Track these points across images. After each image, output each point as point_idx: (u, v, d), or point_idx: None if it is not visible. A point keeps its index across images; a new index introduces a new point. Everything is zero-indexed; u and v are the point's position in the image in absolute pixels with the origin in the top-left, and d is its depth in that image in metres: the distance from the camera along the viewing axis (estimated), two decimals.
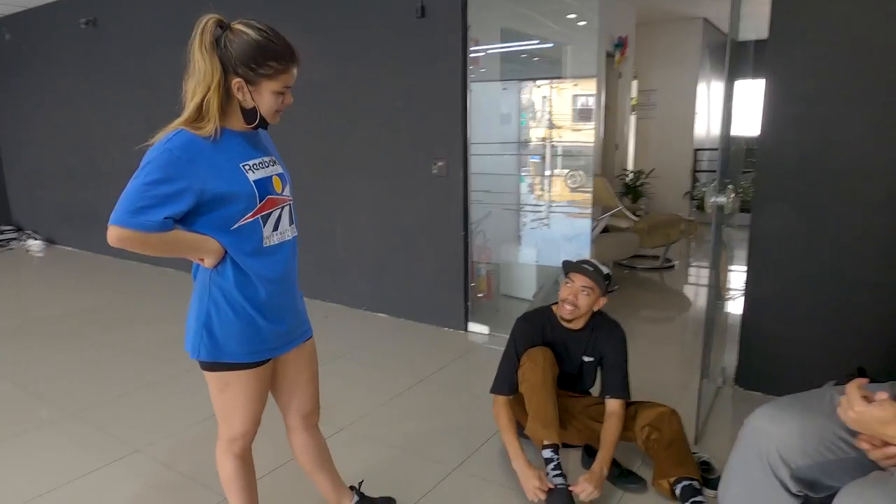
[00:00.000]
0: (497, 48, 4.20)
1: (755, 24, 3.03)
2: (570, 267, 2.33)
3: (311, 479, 1.86)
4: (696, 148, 7.91)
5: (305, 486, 1.98)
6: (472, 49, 3.58)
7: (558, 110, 4.56)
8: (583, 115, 4.51)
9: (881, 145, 2.43)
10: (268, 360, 1.56)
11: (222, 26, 1.35)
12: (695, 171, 7.93)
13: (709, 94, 7.99)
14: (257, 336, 1.49)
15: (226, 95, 1.36)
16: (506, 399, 2.31)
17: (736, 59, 2.95)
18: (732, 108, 2.46)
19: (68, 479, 2.30)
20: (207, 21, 1.33)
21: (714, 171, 3.58)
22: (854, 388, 1.24)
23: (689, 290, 5.28)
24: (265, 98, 1.39)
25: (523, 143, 4.69)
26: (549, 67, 4.87)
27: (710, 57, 7.78)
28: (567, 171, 4.19)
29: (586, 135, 4.47)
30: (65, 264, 6.32)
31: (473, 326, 3.90)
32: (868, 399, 1.24)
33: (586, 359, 2.36)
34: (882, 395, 1.21)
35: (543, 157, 4.42)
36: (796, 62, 2.58)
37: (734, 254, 3.74)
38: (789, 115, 2.62)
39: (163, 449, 2.51)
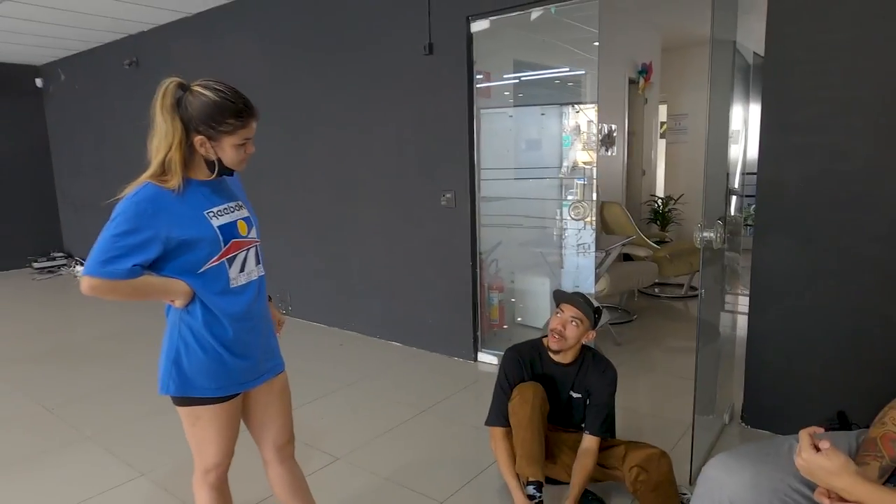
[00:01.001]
0: (510, 78, 4.27)
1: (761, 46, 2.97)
2: (560, 297, 2.34)
3: None
4: (726, 172, 7.71)
5: None
6: (478, 80, 3.65)
7: (571, 135, 4.57)
8: (588, 140, 4.51)
9: (884, 175, 2.35)
10: (237, 395, 1.62)
11: (183, 88, 1.45)
12: (728, 195, 7.72)
13: (726, 117, 7.81)
14: (224, 371, 1.56)
15: (189, 150, 1.46)
16: (503, 431, 2.31)
17: (734, 81, 2.92)
18: (713, 136, 2.43)
19: (78, 500, 2.41)
20: (169, 84, 1.43)
21: (749, 196, 3.51)
22: (805, 434, 1.21)
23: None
24: (227, 152, 1.49)
25: (539, 169, 4.71)
26: (567, 93, 4.90)
27: (742, 80, 7.63)
28: (571, 199, 4.18)
29: (591, 160, 4.45)
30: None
31: (483, 356, 3.90)
32: (816, 448, 1.20)
33: (574, 394, 2.34)
34: (825, 444, 1.17)
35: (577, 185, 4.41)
36: (794, 89, 2.53)
37: (741, 280, 3.63)
38: (789, 144, 2.57)
39: (165, 474, 2.61)
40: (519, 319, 4.47)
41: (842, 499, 1.19)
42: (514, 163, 4.47)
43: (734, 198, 3.59)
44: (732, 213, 3.28)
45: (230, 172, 1.57)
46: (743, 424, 2.83)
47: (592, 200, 3.98)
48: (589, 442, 2.21)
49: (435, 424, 3.06)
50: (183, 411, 1.60)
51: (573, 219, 3.88)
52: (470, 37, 3.55)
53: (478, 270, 3.84)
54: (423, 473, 2.55)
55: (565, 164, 4.71)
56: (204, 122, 1.43)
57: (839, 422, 1.65)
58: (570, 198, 4.26)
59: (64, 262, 7.70)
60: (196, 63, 5.40)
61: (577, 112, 4.74)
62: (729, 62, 2.76)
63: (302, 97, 4.55)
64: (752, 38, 3.20)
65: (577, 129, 4.69)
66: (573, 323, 2.26)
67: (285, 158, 4.72)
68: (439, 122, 3.79)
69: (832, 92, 2.44)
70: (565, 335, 2.26)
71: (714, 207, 2.39)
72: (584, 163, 4.60)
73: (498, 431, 2.32)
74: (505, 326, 4.31)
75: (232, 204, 1.58)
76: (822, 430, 1.26)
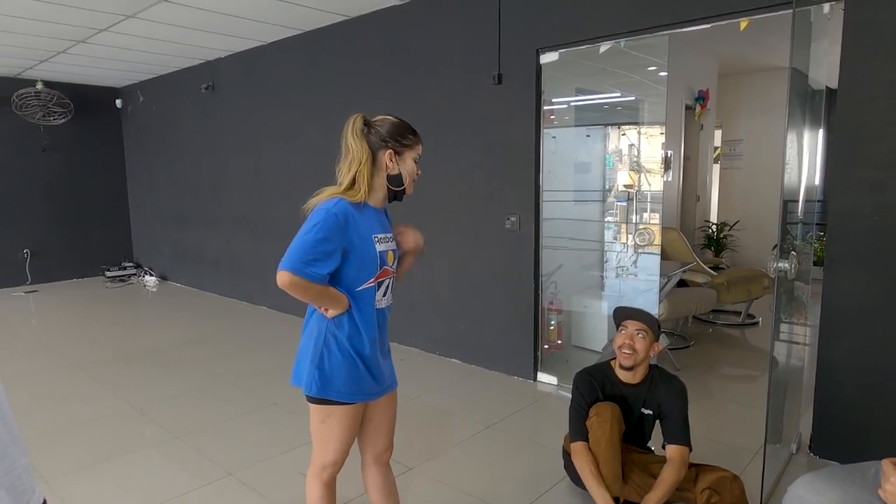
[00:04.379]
0: (571, 101, 4.40)
1: (832, 73, 3.01)
2: (621, 314, 2.43)
3: None
4: (789, 199, 7.61)
5: None
6: (545, 108, 3.79)
7: (628, 157, 4.65)
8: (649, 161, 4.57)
9: None
10: (362, 402, 1.81)
11: (365, 121, 1.75)
12: (784, 223, 7.61)
13: (798, 144, 7.72)
14: (358, 380, 1.76)
15: (373, 169, 1.72)
16: (584, 446, 2.36)
17: (805, 108, 2.96)
18: (790, 161, 2.49)
19: (166, 497, 2.60)
20: (356, 116, 1.74)
21: (807, 223, 3.53)
22: (888, 463, 1.27)
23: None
24: (408, 164, 1.78)
25: (598, 191, 4.80)
26: (625, 116, 4.99)
27: (806, 107, 7.56)
28: (635, 222, 4.25)
29: (656, 184, 4.50)
30: (175, 298, 7.02)
31: (542, 376, 3.99)
32: None
33: (645, 412, 2.42)
34: None
35: (628, 203, 4.49)
36: (868, 124, 2.58)
37: (807, 310, 3.62)
38: (862, 177, 2.61)
39: (252, 474, 2.78)
40: (573, 342, 4.53)
41: None
42: (566, 185, 4.58)
43: (799, 226, 3.60)
44: (797, 242, 3.31)
45: (401, 198, 1.81)
46: (812, 455, 2.84)
47: (656, 225, 4.04)
48: (673, 452, 2.27)
49: (500, 440, 3.16)
50: (316, 409, 1.78)
51: (639, 244, 3.95)
52: (539, 68, 3.71)
53: (540, 292, 3.95)
54: (493, 486, 2.66)
55: (615, 186, 4.78)
56: (392, 138, 1.73)
57: None
58: (634, 220, 4.32)
59: (134, 271, 8.15)
60: (268, 88, 5.74)
61: (623, 134, 4.82)
62: (799, 90, 2.81)
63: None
64: (822, 63, 3.23)
65: (626, 150, 4.76)
66: (640, 335, 2.34)
67: None
68: (506, 148, 3.95)
69: None
70: (635, 348, 2.34)
71: (787, 237, 2.44)
72: (626, 186, 4.66)
73: (580, 446, 2.38)
74: (561, 344, 4.38)
75: (388, 235, 1.81)
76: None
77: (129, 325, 6.11)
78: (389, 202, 1.83)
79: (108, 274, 7.97)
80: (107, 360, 4.61)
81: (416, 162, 1.79)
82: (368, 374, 1.76)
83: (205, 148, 6.81)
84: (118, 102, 8.01)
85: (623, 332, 2.39)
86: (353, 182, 1.70)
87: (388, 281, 1.80)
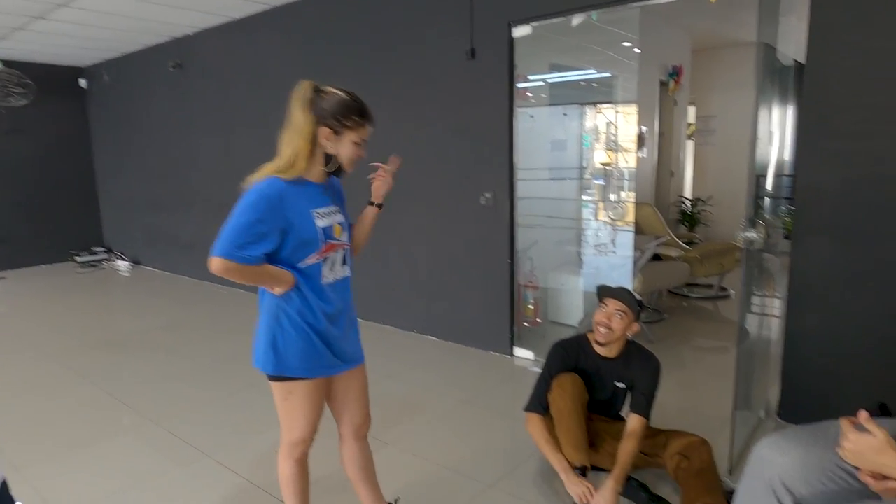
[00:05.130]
0: (546, 78, 4.38)
1: (801, 48, 3.02)
2: (604, 292, 2.45)
3: (354, 490, 2.05)
4: (759, 174, 7.73)
5: (348, 497, 2.17)
6: (519, 84, 3.77)
7: (605, 135, 4.66)
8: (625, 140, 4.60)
9: None
10: (323, 377, 1.79)
11: (316, 89, 1.65)
12: (755, 196, 7.74)
13: (767, 119, 7.82)
14: (315, 356, 1.73)
15: (313, 144, 1.65)
16: (539, 418, 2.45)
17: (775, 83, 2.99)
18: (760, 136, 2.52)
19: (144, 479, 2.59)
20: (306, 83, 1.65)
21: (778, 198, 3.59)
22: (847, 422, 1.31)
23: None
24: (346, 147, 1.68)
25: (575, 169, 4.81)
26: (600, 94, 4.99)
27: (777, 82, 7.63)
28: (611, 198, 4.28)
29: (631, 161, 4.53)
30: (148, 283, 6.90)
31: (519, 352, 4.03)
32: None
33: (619, 384, 2.46)
34: (863, 415, 1.27)
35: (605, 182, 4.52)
36: (835, 95, 2.61)
37: (776, 282, 3.70)
38: (830, 149, 2.64)
39: (228, 455, 2.78)
40: (550, 318, 4.58)
41: (886, 477, 1.29)
42: (542, 163, 4.58)
43: (768, 200, 3.66)
44: (766, 216, 3.36)
45: (339, 174, 1.74)
46: (779, 420, 2.92)
47: (624, 201, 4.08)
48: (634, 422, 2.33)
49: (477, 415, 3.19)
50: (277, 386, 1.77)
51: (612, 218, 3.98)
52: (511, 42, 3.68)
53: (515, 268, 3.97)
54: (469, 459, 2.69)
55: (591, 164, 4.80)
56: (333, 116, 1.62)
57: (880, 412, 1.75)
58: (611, 198, 4.35)
59: (105, 256, 7.99)
60: (239, 66, 5.60)
61: (599, 112, 4.83)
62: (768, 65, 2.83)
63: None
64: (791, 39, 3.26)
65: (602, 128, 4.77)
66: (618, 315, 2.38)
67: None
68: (480, 124, 3.92)
69: (875, 98, 2.51)
70: (612, 327, 2.38)
71: (755, 206, 2.48)
72: (603, 164, 4.69)
73: (534, 417, 2.46)
74: (537, 320, 4.42)
75: (333, 207, 1.76)
76: (865, 415, 1.35)
77: (101, 311, 6.01)
78: (328, 177, 1.75)
79: (79, 259, 7.80)
80: (79, 347, 4.53)
81: (358, 145, 1.69)
82: (326, 348, 1.74)
83: (175, 129, 6.65)
84: (82, 82, 7.76)
85: (603, 309, 2.41)
86: (290, 159, 1.63)
87: (336, 255, 1.75)
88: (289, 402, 1.77)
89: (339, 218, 1.78)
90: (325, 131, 1.64)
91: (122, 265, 7.58)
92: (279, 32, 5.11)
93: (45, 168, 7.75)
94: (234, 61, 5.64)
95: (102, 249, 8.10)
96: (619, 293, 2.41)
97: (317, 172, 1.70)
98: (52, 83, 7.50)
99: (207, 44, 5.88)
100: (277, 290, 1.69)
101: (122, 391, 3.59)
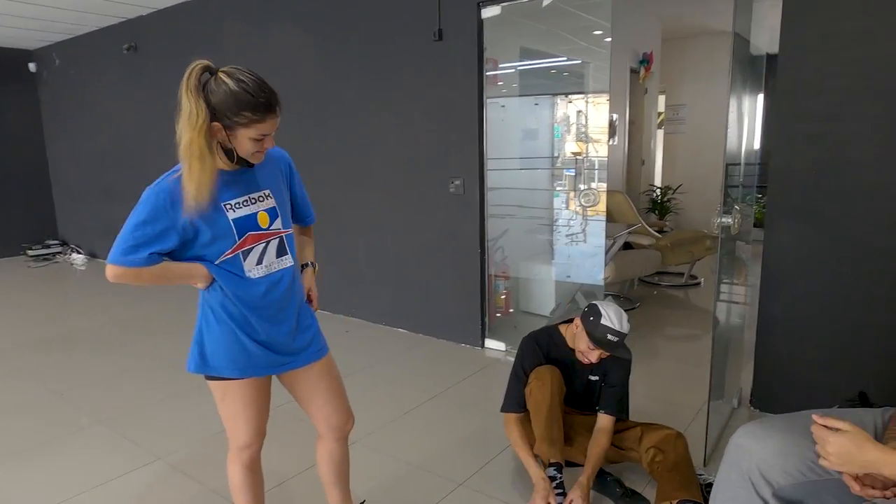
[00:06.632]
0: (517, 66, 4.27)
1: (773, 36, 3.01)
2: (600, 342, 2.18)
3: (325, 491, 1.92)
4: (729, 163, 7.78)
5: (316, 499, 2.05)
6: (489, 69, 3.65)
7: (575, 126, 4.60)
8: (596, 131, 4.55)
9: (893, 165, 2.39)
10: (258, 377, 1.64)
11: (210, 71, 1.41)
12: (726, 186, 7.80)
13: (739, 108, 7.88)
14: (244, 355, 1.58)
15: (208, 136, 1.41)
16: (517, 417, 2.34)
17: (746, 72, 2.94)
18: (732, 124, 2.46)
19: (93, 484, 2.41)
20: (195, 66, 1.39)
21: (748, 187, 3.56)
22: (817, 428, 1.24)
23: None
24: (242, 143, 1.44)
25: (546, 158, 4.73)
26: (571, 83, 4.92)
27: (741, 71, 7.68)
28: (582, 188, 4.21)
29: (602, 150, 4.48)
30: (104, 277, 6.59)
31: (490, 343, 3.93)
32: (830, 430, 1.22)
33: (592, 378, 2.37)
34: (834, 422, 1.20)
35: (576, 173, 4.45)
36: (807, 78, 2.56)
37: (748, 269, 3.68)
38: (800, 132, 2.60)
39: (182, 458, 2.62)
40: (521, 308, 4.50)
41: (872, 479, 1.22)
42: (513, 153, 4.48)
43: (739, 188, 3.63)
44: (737, 204, 3.32)
45: (248, 164, 1.53)
46: (752, 408, 2.89)
47: (594, 190, 4.01)
48: (604, 421, 2.26)
49: (447, 409, 3.08)
50: (212, 386, 1.63)
51: (584, 205, 3.90)
52: (480, 23, 3.55)
53: (486, 258, 3.86)
54: (439, 456, 2.58)
55: (563, 154, 4.73)
56: (220, 111, 1.39)
57: (860, 402, 1.70)
58: (581, 187, 4.28)
59: (59, 249, 7.62)
60: (195, 49, 5.34)
61: (570, 102, 4.76)
62: (740, 53, 2.78)
63: (308, 84, 4.52)
64: (764, 26, 3.22)
65: (574, 118, 4.71)
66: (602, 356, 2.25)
67: (292, 145, 4.68)
68: (448, 109, 3.79)
69: (844, 81, 2.47)
70: (592, 361, 2.26)
71: (729, 193, 2.42)
72: (574, 153, 4.63)
73: (512, 417, 2.35)
74: (509, 310, 4.34)
75: (256, 195, 1.56)
76: (829, 415, 1.27)
77: (52, 306, 5.71)
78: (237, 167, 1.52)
79: (31, 253, 7.43)
80: (26, 344, 4.28)
81: (257, 140, 1.44)
82: (259, 346, 1.58)
83: (129, 115, 6.34)
84: (32, 66, 7.36)
85: (595, 351, 2.21)
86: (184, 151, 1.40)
87: (260, 246, 1.56)
88: (226, 404, 1.63)
89: (267, 204, 1.58)
90: (216, 125, 1.40)
91: (78, 258, 7.25)
92: (237, 11, 4.88)
93: None
94: (192, 43, 5.38)
95: (56, 242, 7.74)
96: (613, 348, 2.20)
97: (223, 162, 1.48)
98: (0, 67, 7.09)
99: (161, 24, 5.60)
100: (199, 285, 1.55)
101: (71, 390, 3.38)
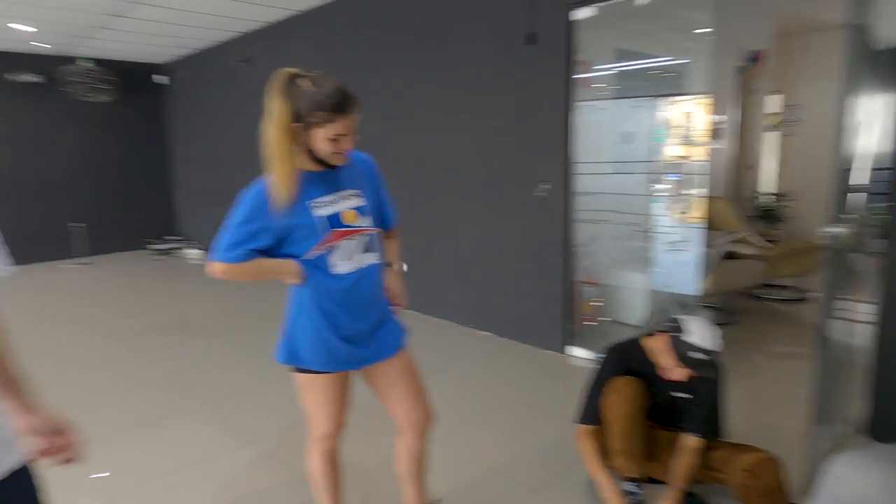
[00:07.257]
0: (612, 68, 4.15)
1: None
2: (684, 360, 2.08)
3: (400, 486, 1.97)
4: (849, 168, 7.09)
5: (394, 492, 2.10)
6: (579, 72, 3.57)
7: (676, 129, 4.38)
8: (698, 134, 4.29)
9: None
10: (341, 371, 1.71)
11: (293, 78, 1.53)
12: (843, 191, 7.11)
13: (861, 108, 7.16)
14: (328, 350, 1.66)
15: (292, 136, 1.54)
16: (591, 430, 2.26)
17: (869, 68, 2.68)
18: (850, 125, 2.23)
19: (193, 461, 2.63)
20: (282, 72, 1.53)
21: (873, 193, 3.22)
22: None
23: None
24: (318, 143, 1.54)
25: (643, 163, 4.55)
26: (670, 84, 4.70)
27: (860, 67, 6.98)
28: (680, 193, 4.00)
29: (705, 155, 4.23)
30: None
31: (575, 350, 3.84)
32: None
33: (674, 394, 2.25)
34: None
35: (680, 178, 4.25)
36: None
37: (868, 285, 3.32)
38: None
39: (273, 444, 2.78)
40: (611, 316, 4.35)
41: None
42: (608, 156, 4.35)
43: (860, 195, 3.30)
44: (857, 212, 3.02)
45: (331, 165, 1.60)
46: (870, 439, 2.61)
47: (694, 196, 3.80)
48: (688, 440, 2.13)
49: (525, 415, 3.05)
50: (297, 378, 1.72)
51: (681, 214, 3.71)
52: (570, 25, 3.49)
53: (571, 264, 3.78)
54: (515, 462, 2.56)
55: (662, 158, 4.52)
56: (299, 112, 1.50)
57: None
58: (682, 193, 4.07)
59: (177, 245, 8.36)
60: (304, 58, 5.66)
61: (671, 104, 4.53)
62: (862, 49, 2.53)
63: (400, 88, 4.65)
64: (888, 19, 2.92)
65: (674, 121, 4.48)
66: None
67: (380, 148, 4.84)
68: (535, 114, 3.76)
69: None
70: (676, 378, 2.15)
71: (842, 201, 2.21)
72: (679, 157, 4.40)
73: (585, 430, 2.27)
74: (598, 320, 4.21)
75: (344, 192, 1.64)
76: None
77: (171, 295, 6.27)
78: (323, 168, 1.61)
79: (152, 247, 8.20)
80: (147, 329, 4.72)
81: (333, 140, 1.52)
82: (341, 341, 1.65)
83: (243, 122, 6.83)
84: (160, 78, 8.13)
85: (681, 370, 2.11)
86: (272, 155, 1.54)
87: (346, 243, 1.63)
88: (308, 395, 1.72)
89: (355, 202, 1.66)
90: (295, 126, 1.52)
91: (193, 253, 7.90)
92: (341, 22, 5.12)
93: (125, 160, 8.20)
94: (301, 53, 5.72)
95: (175, 238, 8.48)
96: (700, 367, 2.09)
97: (308, 163, 1.59)
98: (133, 79, 7.90)
99: (275, 38, 5.99)
100: (293, 281, 1.64)
101: (182, 372, 3.70)
